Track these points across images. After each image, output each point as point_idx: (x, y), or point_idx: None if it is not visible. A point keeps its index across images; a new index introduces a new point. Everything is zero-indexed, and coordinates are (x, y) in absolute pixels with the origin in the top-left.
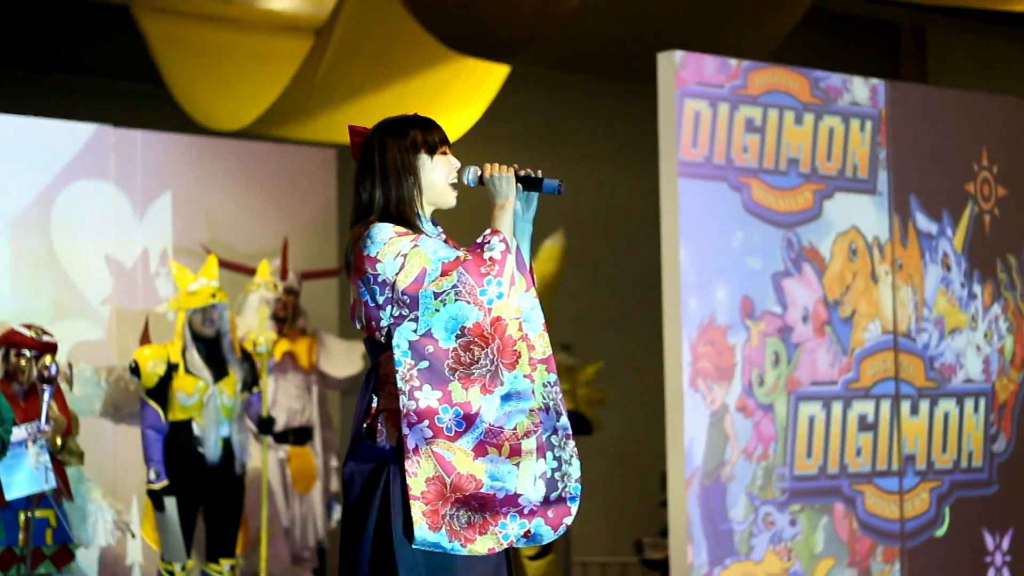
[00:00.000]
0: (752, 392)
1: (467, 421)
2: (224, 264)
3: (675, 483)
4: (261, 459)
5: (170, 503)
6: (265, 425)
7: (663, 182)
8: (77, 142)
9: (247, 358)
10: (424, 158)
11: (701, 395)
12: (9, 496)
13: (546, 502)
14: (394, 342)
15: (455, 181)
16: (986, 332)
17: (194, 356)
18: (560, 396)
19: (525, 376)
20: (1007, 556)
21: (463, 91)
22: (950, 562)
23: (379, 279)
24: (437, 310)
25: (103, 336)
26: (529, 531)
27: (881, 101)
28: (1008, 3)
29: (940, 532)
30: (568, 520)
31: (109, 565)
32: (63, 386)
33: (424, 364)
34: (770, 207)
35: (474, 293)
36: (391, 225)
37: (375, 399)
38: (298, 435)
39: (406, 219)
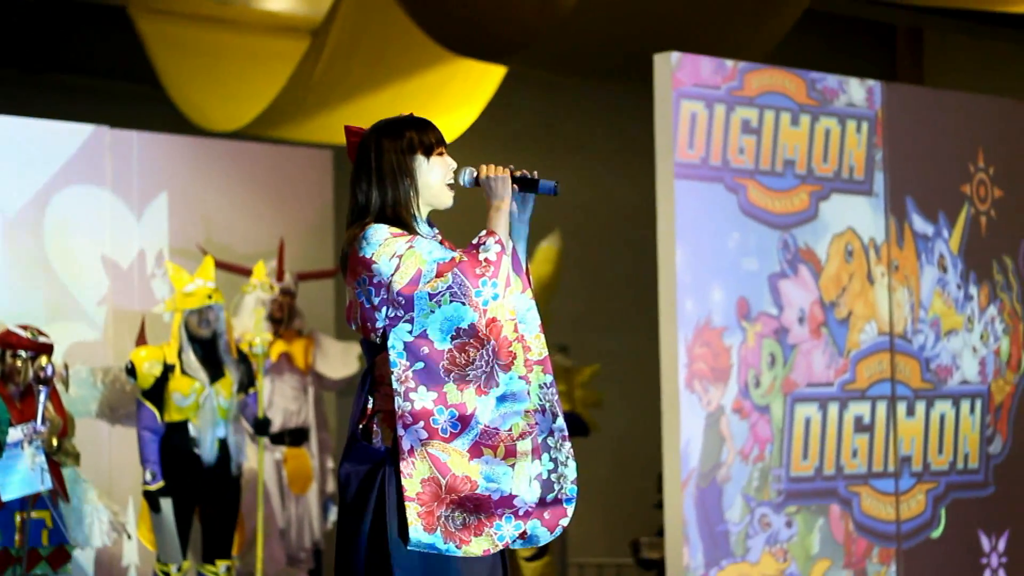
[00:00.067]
0: (748, 393)
1: (462, 422)
2: (220, 265)
3: (671, 484)
4: (257, 460)
5: (166, 504)
6: (261, 426)
7: (659, 183)
8: (74, 143)
9: (243, 359)
10: (420, 159)
11: (697, 396)
12: (5, 497)
13: (542, 504)
14: (389, 343)
15: (452, 182)
16: (982, 334)
17: (190, 357)
18: (556, 398)
19: (520, 377)
20: (1003, 557)
21: (460, 92)
22: (946, 564)
23: (374, 280)
24: (432, 311)
25: (99, 337)
26: (525, 532)
27: (877, 102)
28: (1005, 4)
29: (936, 534)
30: (564, 522)
31: (105, 566)
32: (59, 387)
33: (419, 365)
34: (766, 208)
35: (469, 294)
36: (386, 226)
37: (371, 400)
38: (294, 436)
39: (402, 221)
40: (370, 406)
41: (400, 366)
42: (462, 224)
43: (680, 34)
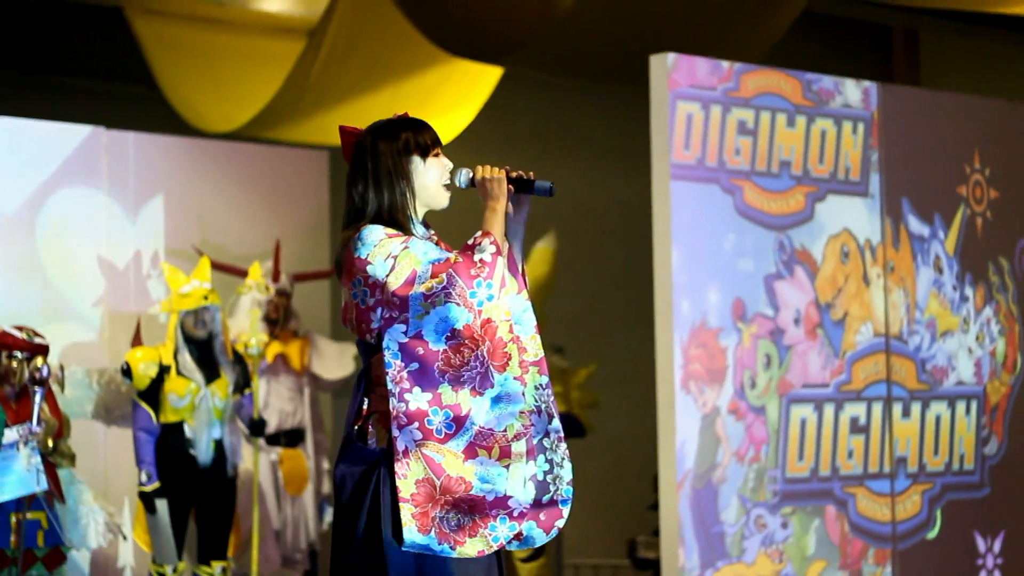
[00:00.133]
0: (744, 394)
1: (457, 423)
2: (216, 266)
3: (667, 485)
4: (253, 461)
5: (161, 505)
6: (256, 427)
7: (655, 184)
8: (70, 144)
9: (239, 360)
10: (416, 161)
11: (693, 398)
12: (0, 498)
13: (538, 505)
14: (384, 344)
15: (448, 182)
16: (978, 335)
17: (186, 358)
18: (552, 399)
19: (516, 378)
20: (999, 559)
21: (456, 93)
22: (942, 565)
23: (369, 281)
24: (427, 312)
25: (95, 338)
26: (521, 534)
27: (873, 103)
28: (1001, 6)
29: (932, 534)
30: (560, 523)
31: (101, 567)
32: (55, 388)
33: (414, 366)
34: (762, 209)
35: (464, 295)
36: (382, 227)
37: (366, 401)
38: (290, 437)
39: (398, 223)
40: (366, 407)
41: (395, 367)
42: (458, 225)
43: (677, 35)
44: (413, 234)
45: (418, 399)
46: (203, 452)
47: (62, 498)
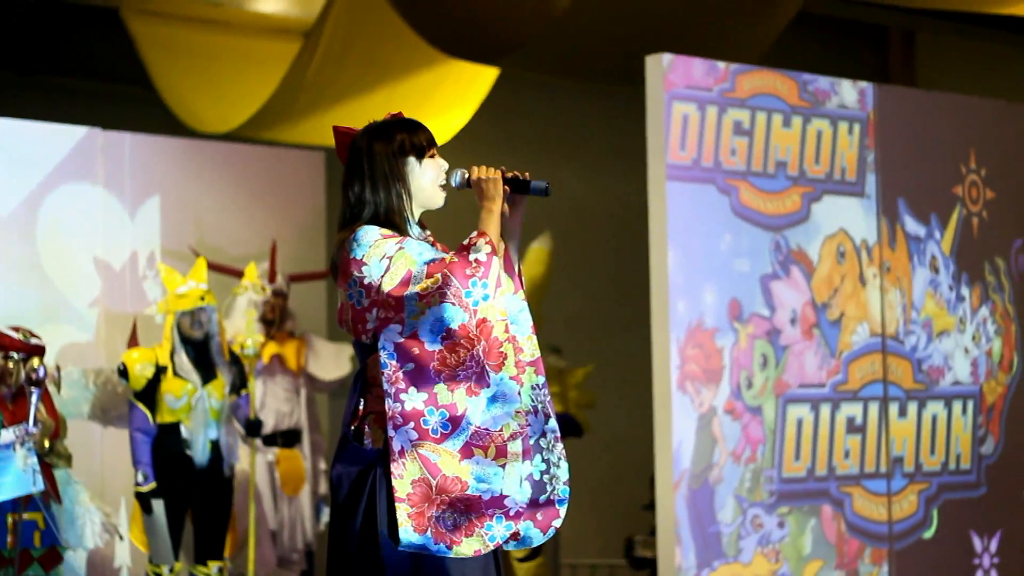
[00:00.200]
0: (740, 395)
1: (453, 423)
2: (213, 267)
3: (663, 485)
4: (249, 462)
5: (158, 505)
6: (253, 428)
7: (651, 185)
8: (66, 145)
9: (235, 361)
10: (412, 162)
11: (689, 398)
12: None
13: (535, 505)
14: (380, 344)
15: (444, 182)
16: (974, 335)
17: (182, 359)
18: (549, 398)
19: (511, 378)
20: (995, 558)
21: (452, 93)
22: (938, 564)
23: (365, 282)
24: (422, 312)
25: (91, 339)
26: (518, 533)
27: (869, 104)
28: (997, 6)
29: (928, 534)
30: (557, 523)
31: (97, 567)
32: (51, 388)
33: (410, 366)
34: (758, 210)
35: (459, 295)
36: (377, 228)
37: (363, 401)
38: (286, 438)
39: (394, 224)
40: (362, 407)
41: (390, 367)
42: (454, 226)
43: (673, 36)
44: (409, 235)
45: (414, 399)
46: (199, 452)
47: (58, 498)
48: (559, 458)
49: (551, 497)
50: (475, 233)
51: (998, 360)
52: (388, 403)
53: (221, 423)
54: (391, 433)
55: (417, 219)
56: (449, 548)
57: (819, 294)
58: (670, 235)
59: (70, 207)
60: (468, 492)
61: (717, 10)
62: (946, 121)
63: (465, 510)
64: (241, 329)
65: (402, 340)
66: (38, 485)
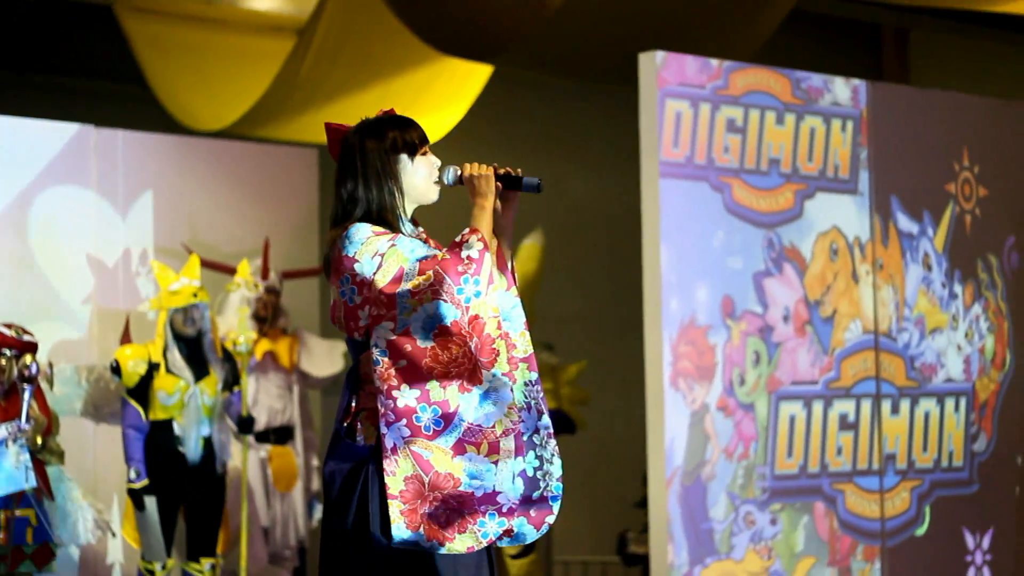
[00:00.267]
0: (733, 391)
1: (445, 420)
2: (205, 264)
3: (656, 482)
4: (242, 459)
5: (150, 502)
6: (245, 424)
7: (644, 182)
8: (59, 142)
9: (228, 358)
10: (404, 159)
11: (682, 395)
12: None
13: (528, 501)
14: (372, 341)
15: (436, 179)
16: (967, 332)
17: (175, 356)
18: (542, 395)
19: (504, 375)
20: (987, 555)
21: (446, 91)
22: (931, 561)
23: (357, 279)
24: (414, 309)
25: (84, 335)
26: (511, 530)
27: (862, 101)
28: (990, 4)
29: (920, 531)
30: (550, 519)
31: (89, 564)
32: (44, 385)
33: (402, 363)
34: (751, 207)
35: (451, 292)
36: (369, 225)
37: (355, 398)
38: (279, 434)
39: (387, 222)
40: (354, 404)
41: (383, 364)
42: (447, 223)
43: (665, 34)
44: (402, 232)
45: (406, 396)
46: (192, 449)
47: (51, 495)
48: (552, 455)
49: (544, 494)
50: (467, 230)
51: (991, 357)
52: (380, 400)
53: (214, 420)
54: (383, 430)
55: (410, 216)
56: (442, 545)
57: (812, 291)
58: (663, 232)
59: (63, 204)
60: (461, 489)
61: (711, 8)
62: (939, 119)
63: (458, 507)
64: (234, 326)
65: (394, 337)
66: (30, 482)
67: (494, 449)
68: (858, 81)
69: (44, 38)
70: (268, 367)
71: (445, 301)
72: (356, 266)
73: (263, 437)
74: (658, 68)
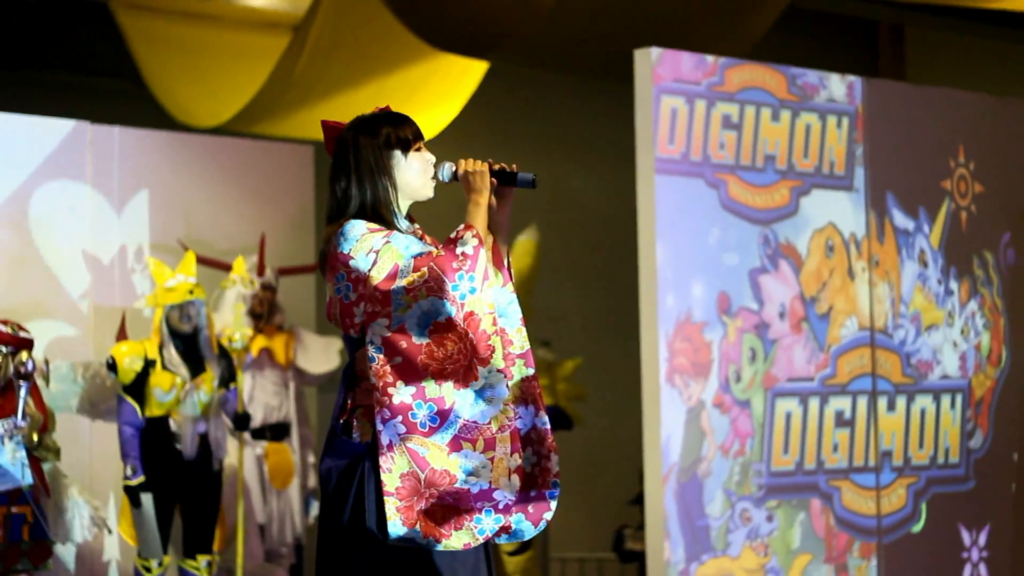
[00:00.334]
0: (729, 388)
1: (441, 417)
2: (201, 260)
3: (652, 479)
4: (238, 455)
5: (147, 499)
6: (241, 421)
7: (640, 179)
8: (54, 138)
9: (224, 354)
10: (398, 156)
11: (678, 391)
12: None
13: (525, 498)
14: (367, 338)
15: (431, 175)
16: (963, 328)
17: (171, 352)
18: (538, 391)
19: (500, 371)
20: (984, 552)
21: (441, 87)
22: (927, 558)
23: (352, 276)
24: (409, 306)
25: (80, 332)
26: (509, 527)
27: (858, 98)
28: (986, 1)
29: (917, 528)
30: (548, 516)
31: (86, 561)
32: (39, 382)
33: (397, 360)
34: (747, 204)
35: (446, 288)
36: (364, 222)
37: (351, 395)
38: (275, 431)
39: (382, 218)
40: (350, 401)
41: (378, 361)
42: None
43: (661, 30)
44: (397, 228)
45: (402, 393)
46: (188, 446)
47: (48, 492)
48: (549, 451)
49: (541, 490)
50: (462, 226)
51: (987, 354)
52: (376, 397)
53: (210, 417)
54: (379, 427)
55: (405, 212)
56: (438, 541)
57: (808, 288)
58: (659, 229)
59: (58, 201)
60: (457, 485)
61: (707, 4)
62: (935, 115)
63: (454, 503)
64: (229, 323)
65: (389, 334)
66: (26, 479)
67: (490, 445)
68: (854, 78)
69: (40, 35)
70: (264, 364)
71: (440, 297)
72: (351, 263)
73: (259, 434)
74: (653, 64)
